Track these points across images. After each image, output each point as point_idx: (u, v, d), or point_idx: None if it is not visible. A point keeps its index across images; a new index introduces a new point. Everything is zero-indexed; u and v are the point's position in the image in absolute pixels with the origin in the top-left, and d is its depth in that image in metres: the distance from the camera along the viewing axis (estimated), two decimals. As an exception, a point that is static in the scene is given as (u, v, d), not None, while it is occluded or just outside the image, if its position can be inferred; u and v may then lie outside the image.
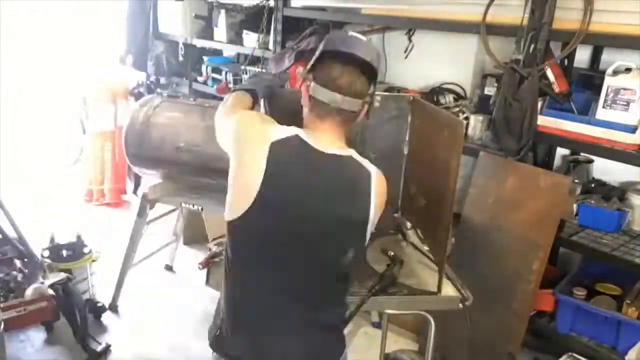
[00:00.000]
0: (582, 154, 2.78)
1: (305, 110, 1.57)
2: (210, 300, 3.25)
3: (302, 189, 1.49)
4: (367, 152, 2.20)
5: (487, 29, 2.64)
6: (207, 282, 1.93)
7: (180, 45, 4.64)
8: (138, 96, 4.71)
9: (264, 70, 1.94)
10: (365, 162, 1.56)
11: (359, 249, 1.61)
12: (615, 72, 2.33)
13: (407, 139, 2.21)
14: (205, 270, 3.26)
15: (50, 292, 2.79)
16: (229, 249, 1.55)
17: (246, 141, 1.52)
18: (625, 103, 2.31)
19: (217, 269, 1.95)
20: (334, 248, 1.53)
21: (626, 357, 2.32)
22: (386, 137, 2.20)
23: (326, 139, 1.52)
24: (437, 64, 3.31)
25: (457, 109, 3.02)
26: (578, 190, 2.64)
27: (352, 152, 1.55)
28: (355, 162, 1.55)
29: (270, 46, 3.87)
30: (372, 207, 1.52)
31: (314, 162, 1.50)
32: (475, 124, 2.85)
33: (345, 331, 1.67)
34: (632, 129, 2.28)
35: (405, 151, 2.22)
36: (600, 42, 2.57)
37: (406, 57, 3.47)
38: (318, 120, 1.53)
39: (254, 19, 3.95)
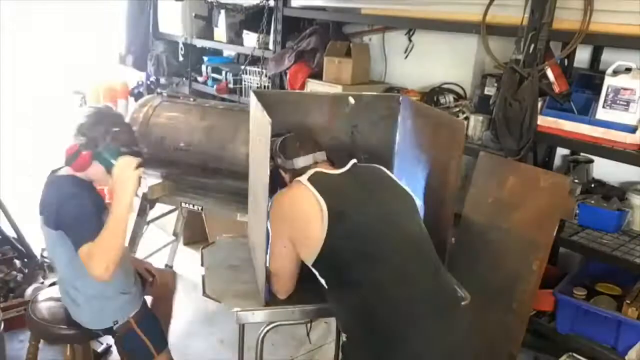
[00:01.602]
0: (582, 154, 2.78)
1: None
2: (210, 301, 3.24)
3: (364, 195, 1.75)
4: (358, 152, 2.20)
5: (487, 29, 2.64)
6: (204, 292, 1.93)
7: (180, 45, 4.64)
8: (138, 96, 4.71)
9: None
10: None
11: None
12: (615, 72, 2.33)
13: (397, 139, 2.20)
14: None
15: (50, 292, 2.80)
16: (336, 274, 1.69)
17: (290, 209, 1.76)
18: (625, 103, 2.30)
19: (212, 278, 1.95)
20: (419, 223, 1.79)
21: (626, 357, 2.32)
22: (376, 138, 2.19)
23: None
24: (437, 64, 3.31)
25: (457, 109, 3.01)
26: (578, 190, 2.64)
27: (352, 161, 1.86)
28: (364, 164, 1.89)
29: (270, 46, 3.87)
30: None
31: (349, 177, 1.78)
32: (475, 124, 2.85)
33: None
34: (632, 129, 2.28)
35: (396, 151, 2.21)
36: (600, 42, 2.57)
37: (406, 57, 3.47)
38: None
39: (254, 19, 3.95)
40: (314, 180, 1.73)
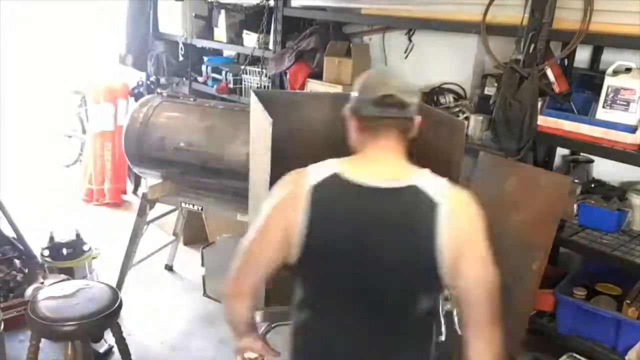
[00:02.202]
0: (582, 154, 2.78)
1: (356, 137, 1.40)
2: (210, 301, 3.27)
3: (350, 236, 1.32)
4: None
5: (487, 29, 2.64)
6: (205, 292, 1.92)
7: (180, 45, 4.64)
8: (138, 96, 4.71)
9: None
10: (434, 189, 1.33)
11: (432, 297, 1.44)
12: (615, 72, 2.33)
13: None
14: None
15: (50, 292, 2.80)
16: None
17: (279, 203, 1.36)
18: (625, 103, 2.30)
19: (212, 278, 1.95)
20: (399, 296, 1.38)
21: (626, 357, 2.32)
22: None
23: (379, 167, 1.35)
24: (437, 64, 3.31)
25: (457, 109, 3.02)
26: (578, 190, 2.64)
27: (415, 180, 1.34)
28: (415, 193, 1.32)
29: (270, 46, 3.87)
30: (439, 247, 1.31)
31: (359, 202, 1.32)
32: (475, 124, 2.85)
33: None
34: (632, 129, 2.28)
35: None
36: (600, 42, 2.57)
37: (406, 57, 3.47)
38: (370, 143, 1.36)
39: (254, 19, 3.95)
40: (323, 187, 1.32)
